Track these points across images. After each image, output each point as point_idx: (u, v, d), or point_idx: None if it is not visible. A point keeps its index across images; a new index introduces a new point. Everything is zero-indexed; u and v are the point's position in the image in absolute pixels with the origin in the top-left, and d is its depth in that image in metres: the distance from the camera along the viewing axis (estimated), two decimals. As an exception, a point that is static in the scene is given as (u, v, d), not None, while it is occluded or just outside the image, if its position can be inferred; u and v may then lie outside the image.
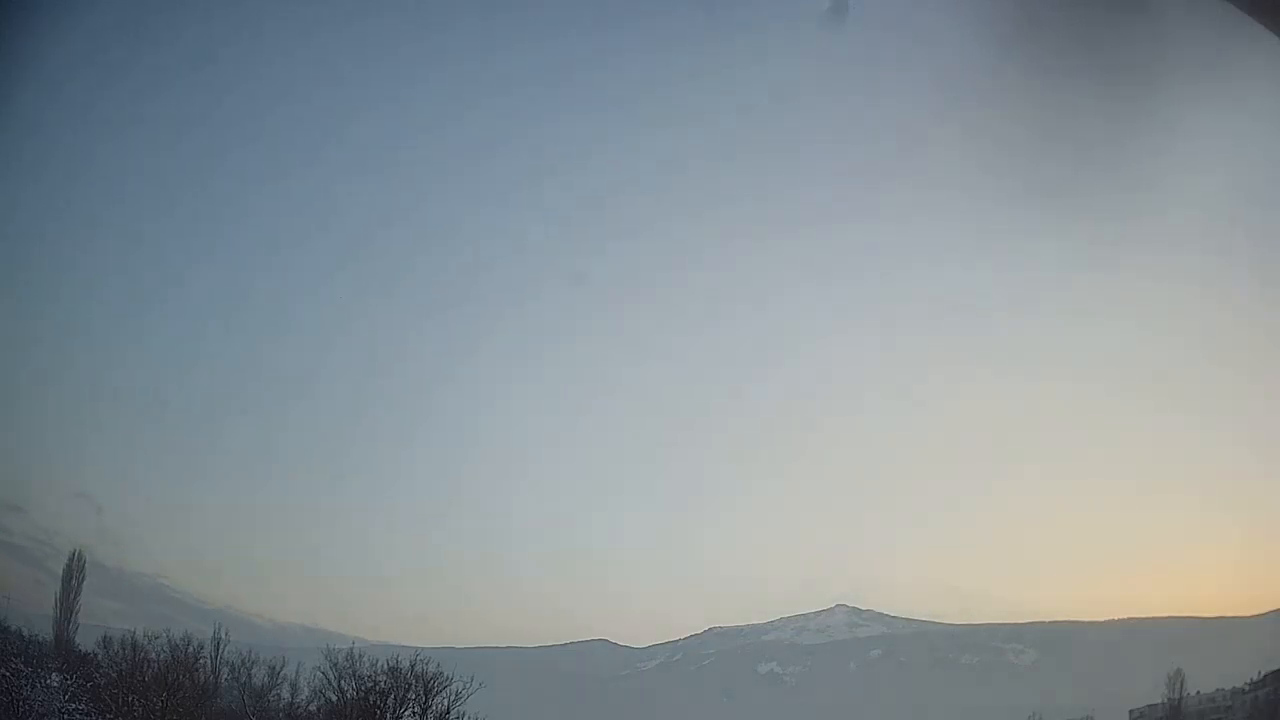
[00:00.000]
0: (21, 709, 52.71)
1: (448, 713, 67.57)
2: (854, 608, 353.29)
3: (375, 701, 65.62)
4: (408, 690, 66.93)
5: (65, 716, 54.84)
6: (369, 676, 67.06)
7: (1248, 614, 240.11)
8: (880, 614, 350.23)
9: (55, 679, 57.09)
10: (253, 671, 70.98)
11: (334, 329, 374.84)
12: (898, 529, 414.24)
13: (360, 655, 68.62)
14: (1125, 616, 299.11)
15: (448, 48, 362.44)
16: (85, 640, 76.78)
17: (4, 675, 53.56)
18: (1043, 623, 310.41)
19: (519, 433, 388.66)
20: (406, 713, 66.80)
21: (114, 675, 61.14)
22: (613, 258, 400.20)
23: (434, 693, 67.51)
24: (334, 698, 66.97)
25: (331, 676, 67.24)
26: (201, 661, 67.34)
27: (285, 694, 70.90)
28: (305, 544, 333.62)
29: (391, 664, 67.76)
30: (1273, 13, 7.19)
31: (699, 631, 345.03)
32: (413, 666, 67.73)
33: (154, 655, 63.61)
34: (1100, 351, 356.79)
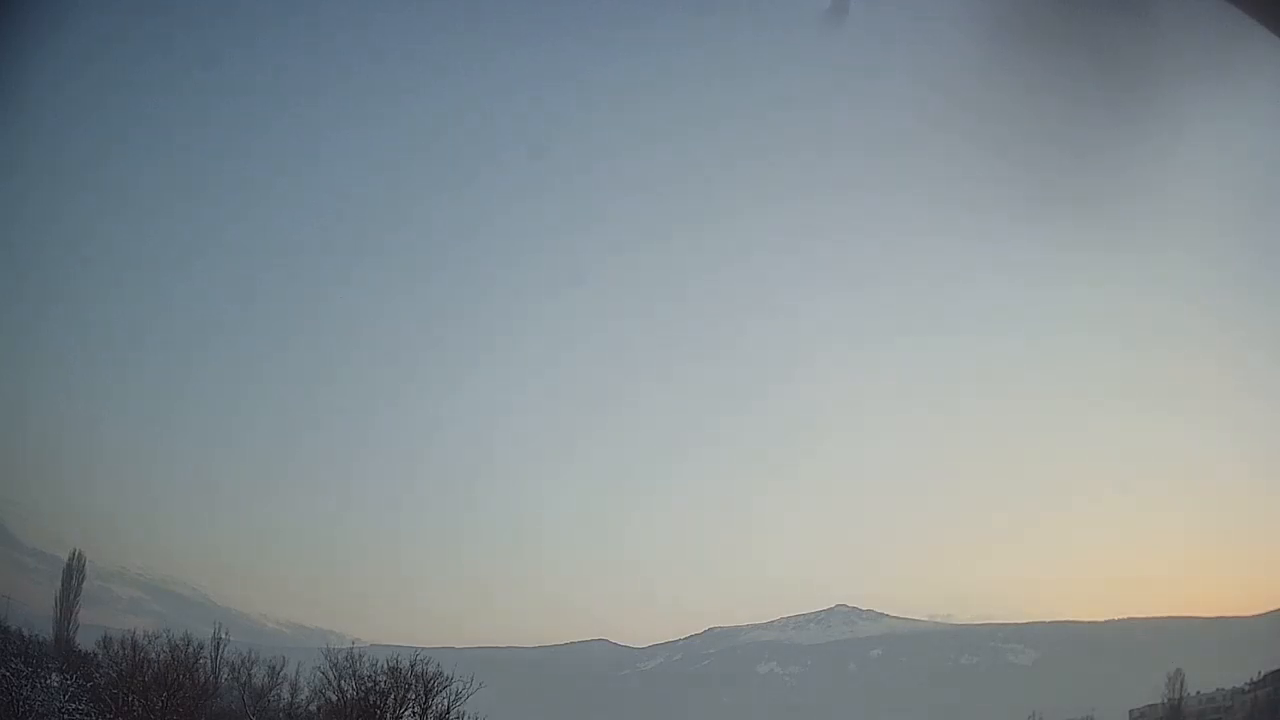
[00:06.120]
0: (21, 709, 52.69)
1: (448, 713, 67.59)
2: (854, 608, 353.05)
3: (375, 701, 65.63)
4: (408, 690, 66.95)
5: (65, 716, 54.82)
6: (369, 676, 67.10)
7: (1248, 614, 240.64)
8: (880, 614, 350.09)
9: (55, 679, 57.08)
10: (253, 671, 71.19)
11: (345, 331, 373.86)
12: (898, 530, 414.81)
13: (360, 655, 68.73)
14: (1125, 616, 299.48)
15: (452, 56, 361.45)
16: (85, 640, 76.97)
17: (4, 675, 53.54)
18: (1043, 623, 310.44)
19: (523, 439, 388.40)
20: (406, 713, 66.82)
21: (114, 675, 61.12)
22: (610, 265, 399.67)
23: (434, 693, 67.55)
24: (334, 698, 67.01)
25: (331, 676, 67.30)
26: (201, 661, 67.46)
27: (285, 694, 71.09)
28: (310, 545, 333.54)
29: (391, 664, 67.79)
30: (1273, 13, 7.18)
31: (699, 631, 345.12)
32: (413, 666, 67.78)
33: (154, 655, 63.63)
34: (1099, 357, 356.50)
